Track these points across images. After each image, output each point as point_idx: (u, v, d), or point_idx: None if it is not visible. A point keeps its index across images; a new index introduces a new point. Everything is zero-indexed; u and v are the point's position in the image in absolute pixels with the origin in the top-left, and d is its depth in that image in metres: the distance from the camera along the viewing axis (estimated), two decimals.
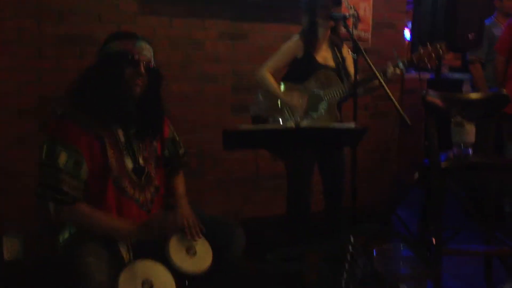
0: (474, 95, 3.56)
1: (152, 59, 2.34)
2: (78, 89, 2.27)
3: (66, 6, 3.49)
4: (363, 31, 4.66)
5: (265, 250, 2.31)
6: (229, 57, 4.09)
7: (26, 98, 3.44)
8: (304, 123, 3.21)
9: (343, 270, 1.84)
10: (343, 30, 3.26)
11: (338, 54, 3.37)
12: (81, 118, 2.22)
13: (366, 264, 1.83)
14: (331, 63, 3.35)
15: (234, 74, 4.13)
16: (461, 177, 3.21)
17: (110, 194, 2.27)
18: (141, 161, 2.37)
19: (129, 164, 2.33)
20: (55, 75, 3.49)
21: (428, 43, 3.22)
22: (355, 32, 4.56)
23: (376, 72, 2.90)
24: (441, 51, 3.20)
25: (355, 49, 2.93)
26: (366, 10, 4.64)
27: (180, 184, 2.62)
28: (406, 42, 5.64)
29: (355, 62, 2.99)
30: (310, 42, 3.29)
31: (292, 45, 3.34)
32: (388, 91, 2.79)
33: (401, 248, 1.96)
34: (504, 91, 3.39)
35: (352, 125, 2.64)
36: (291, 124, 2.68)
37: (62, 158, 2.17)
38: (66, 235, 2.29)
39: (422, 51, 3.20)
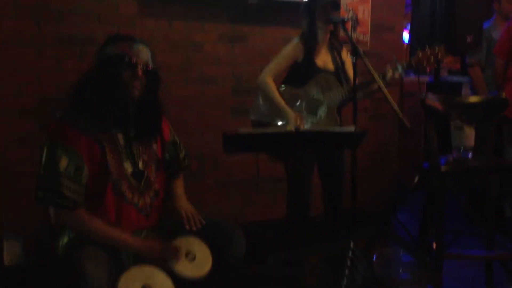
0: (473, 99, 3.56)
1: (150, 61, 2.33)
2: (77, 93, 2.27)
3: (65, 7, 3.48)
4: (362, 34, 4.66)
5: (265, 253, 2.30)
6: (228, 59, 4.10)
7: (26, 98, 3.43)
8: (304, 126, 3.21)
9: (343, 275, 1.84)
10: (342, 33, 3.26)
11: (337, 57, 3.37)
12: (81, 121, 2.22)
13: (366, 269, 1.82)
14: (330, 66, 3.35)
15: (233, 76, 4.13)
16: (461, 181, 3.22)
17: (109, 198, 2.27)
18: (140, 165, 2.37)
19: (129, 168, 2.32)
20: (54, 75, 3.48)
21: (426, 46, 3.22)
22: (354, 35, 4.57)
23: (375, 75, 2.90)
24: (439, 54, 3.20)
25: (354, 52, 2.93)
26: (365, 13, 4.65)
27: (179, 186, 2.62)
28: (405, 44, 5.65)
29: (354, 65, 2.98)
30: (310, 46, 3.29)
31: (292, 48, 3.34)
32: (388, 94, 2.79)
33: (401, 253, 1.96)
34: (504, 94, 3.40)
35: (351, 128, 2.64)
36: (291, 128, 2.68)
37: (63, 162, 2.16)
38: (66, 239, 2.28)
39: (420, 54, 3.20)
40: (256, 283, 2.85)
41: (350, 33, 3.22)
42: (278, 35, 4.21)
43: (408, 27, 5.68)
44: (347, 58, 3.36)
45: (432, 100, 3.24)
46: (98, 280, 2.05)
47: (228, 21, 4.05)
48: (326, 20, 3.22)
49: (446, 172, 2.98)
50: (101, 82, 2.23)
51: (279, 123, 3.33)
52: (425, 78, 5.20)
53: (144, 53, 2.30)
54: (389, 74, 3.19)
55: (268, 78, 3.32)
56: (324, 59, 3.36)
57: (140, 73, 2.25)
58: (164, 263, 2.24)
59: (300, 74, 3.34)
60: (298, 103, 3.33)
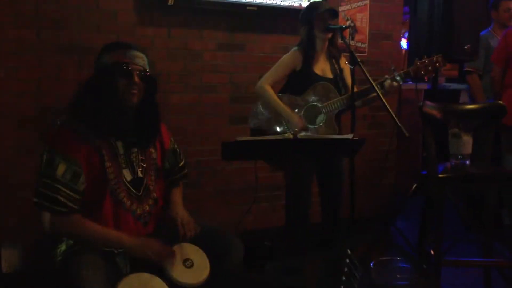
0: (471, 106, 3.57)
1: (147, 66, 2.33)
2: (76, 101, 2.28)
3: (65, 16, 3.50)
4: (360, 42, 4.68)
5: (264, 261, 2.31)
6: (227, 67, 4.11)
7: (26, 107, 3.44)
8: (302, 134, 3.22)
9: (341, 282, 1.84)
10: (340, 41, 3.28)
11: (336, 65, 3.39)
12: (81, 128, 2.23)
13: (364, 276, 1.83)
14: (329, 74, 3.36)
15: (232, 84, 4.14)
16: (459, 188, 3.22)
17: (107, 205, 2.27)
18: (139, 173, 2.37)
19: (128, 175, 2.33)
20: (54, 84, 3.50)
21: (424, 56, 3.24)
22: (352, 43, 4.59)
23: (373, 84, 2.92)
24: (438, 63, 3.22)
25: (352, 60, 2.95)
26: (363, 21, 4.67)
27: (176, 193, 2.61)
28: (403, 51, 5.67)
29: (352, 73, 3.00)
30: (308, 54, 3.31)
31: (290, 57, 3.36)
32: (386, 103, 2.80)
33: (399, 260, 1.96)
34: (501, 101, 3.41)
35: (350, 136, 2.65)
36: (289, 135, 2.69)
37: (61, 169, 2.16)
38: (63, 247, 2.28)
39: (419, 63, 3.22)
40: None
41: (348, 41, 3.23)
42: (276, 43, 4.23)
43: (406, 34, 5.69)
44: (345, 66, 3.38)
45: (430, 108, 3.25)
46: (95, 287, 2.05)
47: (226, 30, 4.07)
48: (324, 29, 3.24)
49: (444, 180, 2.99)
50: (98, 91, 2.24)
51: (278, 129, 3.34)
52: (423, 86, 5.21)
53: (139, 59, 2.30)
54: (388, 82, 3.20)
55: (266, 85, 3.34)
56: (322, 67, 3.37)
57: (136, 79, 2.26)
58: (160, 262, 2.23)
59: (298, 82, 3.35)
60: (296, 111, 3.34)
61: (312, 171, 3.40)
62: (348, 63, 3.01)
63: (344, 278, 1.85)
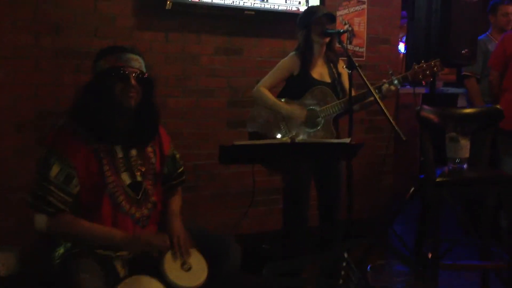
0: (468, 110, 3.58)
1: (143, 68, 2.34)
2: (75, 107, 2.29)
3: (63, 21, 3.51)
4: (358, 46, 4.69)
5: (261, 265, 2.31)
6: (225, 71, 4.11)
7: (24, 112, 3.45)
8: (300, 138, 3.23)
9: (338, 286, 1.84)
10: (338, 45, 3.29)
11: (334, 70, 3.39)
12: (79, 132, 2.24)
13: (361, 279, 1.83)
14: (327, 79, 3.37)
15: (229, 88, 4.15)
16: (456, 192, 3.22)
17: (106, 208, 2.27)
18: (138, 177, 2.37)
19: (126, 179, 2.34)
20: (52, 88, 3.50)
21: (422, 60, 3.25)
22: (350, 47, 4.60)
23: (371, 88, 2.92)
24: (435, 68, 3.22)
25: (350, 65, 2.95)
26: (360, 25, 4.68)
27: (175, 201, 2.61)
28: (401, 55, 5.68)
29: (350, 77, 3.01)
30: (305, 59, 3.31)
31: (288, 62, 3.36)
32: (383, 107, 2.81)
33: (396, 263, 1.96)
34: (499, 106, 3.41)
35: (347, 140, 2.66)
36: (287, 139, 2.69)
37: (55, 170, 2.19)
38: (62, 250, 2.29)
39: (416, 67, 3.22)
40: None
41: (345, 45, 3.24)
42: (274, 47, 4.24)
43: (404, 39, 5.70)
44: (343, 71, 3.38)
45: (427, 112, 3.26)
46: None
47: (224, 34, 4.08)
48: (321, 33, 3.25)
49: (441, 183, 2.99)
50: (96, 96, 2.25)
51: (278, 135, 3.35)
52: (421, 90, 5.22)
53: (135, 61, 2.31)
54: (385, 86, 3.21)
55: (263, 89, 3.35)
56: (320, 72, 3.37)
57: (133, 82, 2.27)
58: (154, 251, 2.25)
59: (296, 86, 3.36)
60: (298, 102, 3.35)
61: (310, 175, 3.40)
62: (346, 67, 3.01)
63: (341, 281, 1.86)
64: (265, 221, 4.29)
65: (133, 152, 2.38)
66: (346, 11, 4.59)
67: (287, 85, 3.42)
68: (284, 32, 4.22)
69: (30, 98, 3.46)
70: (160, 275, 2.24)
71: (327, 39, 3.30)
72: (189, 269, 2.32)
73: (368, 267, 1.89)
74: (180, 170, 2.65)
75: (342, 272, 1.90)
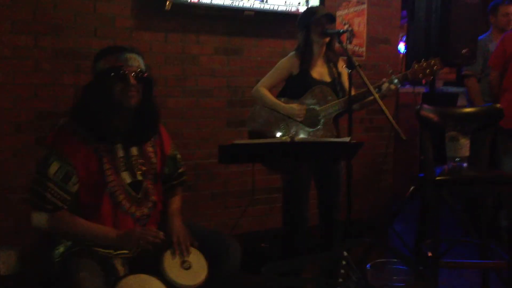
0: (468, 110, 3.58)
1: (142, 67, 2.35)
2: (76, 108, 2.29)
3: (62, 21, 3.51)
4: (358, 46, 4.69)
5: (261, 264, 2.31)
6: (224, 71, 4.12)
7: (23, 112, 3.45)
8: (299, 137, 3.23)
9: (337, 285, 1.84)
10: (338, 45, 3.29)
11: (334, 69, 3.39)
12: (80, 131, 2.25)
13: (360, 279, 1.83)
14: (327, 78, 3.37)
15: (229, 88, 4.15)
16: (456, 191, 3.22)
17: (106, 207, 2.28)
18: (139, 176, 2.38)
19: (127, 178, 2.35)
20: (51, 89, 3.51)
21: (422, 59, 3.25)
22: (350, 47, 4.60)
23: (371, 87, 2.93)
24: (435, 67, 3.22)
25: (350, 65, 2.95)
26: (360, 25, 4.68)
27: (175, 201, 2.61)
28: (401, 55, 5.68)
29: (350, 77, 3.01)
30: (305, 59, 3.31)
31: (287, 62, 3.37)
32: (383, 106, 2.81)
33: (396, 262, 1.96)
34: (498, 105, 3.42)
35: (346, 139, 2.66)
36: (286, 138, 2.69)
37: (53, 168, 2.20)
38: (62, 249, 2.29)
39: (416, 66, 3.23)
40: None
41: (345, 45, 3.24)
42: (274, 47, 4.25)
43: (404, 38, 5.71)
44: (343, 70, 3.38)
45: (427, 111, 3.26)
46: (93, 286, 2.06)
47: (224, 34, 4.08)
48: (321, 33, 3.25)
49: (441, 182, 2.99)
50: (97, 97, 2.26)
51: (278, 134, 3.35)
52: (421, 89, 5.23)
53: (133, 60, 2.31)
54: (385, 86, 3.21)
55: (263, 89, 3.35)
56: (320, 71, 3.37)
57: (133, 81, 2.27)
58: (146, 245, 2.24)
59: (296, 86, 3.36)
60: (297, 101, 3.35)
61: (310, 174, 3.40)
62: (346, 67, 3.01)
63: (340, 280, 1.86)
64: (264, 220, 4.29)
65: (134, 151, 2.39)
66: (346, 11, 4.60)
67: (287, 85, 3.42)
68: (284, 32, 4.23)
69: (30, 98, 3.46)
70: (160, 274, 2.24)
71: (327, 39, 3.30)
72: (189, 267, 2.32)
73: (368, 266, 1.89)
74: (180, 170, 2.66)
75: (342, 271, 1.89)
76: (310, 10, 3.43)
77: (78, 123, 2.26)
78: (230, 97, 4.16)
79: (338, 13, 4.54)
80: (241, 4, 3.94)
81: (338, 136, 3.34)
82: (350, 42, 4.65)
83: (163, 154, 2.53)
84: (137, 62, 2.32)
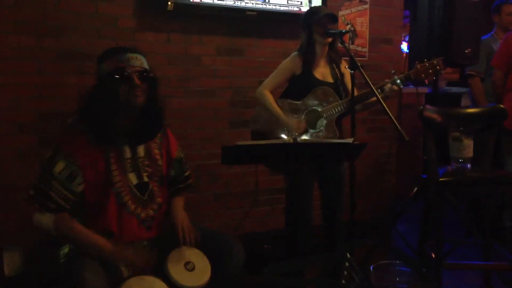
0: (471, 110, 3.57)
1: (145, 66, 2.35)
2: (83, 112, 2.29)
3: (65, 22, 3.51)
4: (361, 46, 4.69)
5: (263, 264, 2.31)
6: (227, 72, 4.12)
7: (26, 113, 3.45)
8: (302, 138, 3.23)
9: (340, 286, 1.84)
10: (340, 45, 3.28)
11: (336, 70, 3.38)
12: (88, 131, 2.26)
13: (363, 280, 1.83)
14: (329, 79, 3.36)
15: (231, 88, 4.15)
16: (459, 192, 3.22)
17: (112, 207, 2.29)
18: (145, 178, 2.39)
19: (133, 180, 2.36)
20: (54, 90, 3.51)
21: (425, 59, 3.24)
22: (352, 47, 4.59)
23: (373, 88, 2.91)
24: (438, 67, 3.21)
25: (352, 65, 2.95)
26: (363, 25, 4.68)
27: (178, 199, 2.62)
28: (404, 54, 5.67)
29: (352, 77, 3.00)
30: (308, 59, 3.31)
31: (290, 62, 3.36)
32: (386, 107, 2.80)
33: (399, 263, 1.96)
34: (502, 105, 3.40)
35: (350, 140, 2.65)
36: (289, 139, 2.69)
37: (59, 166, 2.22)
38: (67, 249, 2.31)
39: (419, 66, 3.22)
40: None
41: (347, 45, 3.24)
42: (276, 48, 4.24)
43: (407, 37, 5.70)
44: (345, 71, 3.37)
45: (430, 112, 3.26)
46: (97, 286, 2.06)
47: (226, 34, 4.08)
48: (323, 33, 3.24)
49: (444, 183, 2.99)
50: (102, 101, 2.26)
51: (280, 135, 3.34)
52: (424, 89, 5.22)
53: (136, 60, 2.32)
54: (388, 86, 3.20)
55: (265, 90, 3.34)
56: (322, 72, 3.37)
57: (137, 81, 2.27)
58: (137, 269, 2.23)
59: (299, 87, 3.35)
60: (297, 116, 3.34)
61: (313, 175, 3.40)
62: (348, 67, 3.01)
63: (343, 281, 1.86)
64: (267, 221, 4.29)
65: (141, 152, 2.40)
66: (348, 11, 4.59)
67: (289, 85, 3.42)
68: (286, 32, 4.23)
69: (33, 99, 3.46)
70: (163, 275, 2.25)
71: (329, 40, 3.29)
72: (193, 269, 2.33)
73: (371, 267, 1.88)
74: (186, 173, 2.66)
75: (345, 273, 1.89)
76: (312, 10, 3.43)
77: (86, 127, 2.27)
78: (232, 98, 4.16)
79: (340, 13, 4.53)
80: (243, 4, 3.94)
81: (340, 137, 3.34)
82: (353, 42, 4.64)
83: (170, 157, 2.55)
84: (139, 61, 2.32)
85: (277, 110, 3.31)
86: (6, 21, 3.35)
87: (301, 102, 3.35)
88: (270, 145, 2.73)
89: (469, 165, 3.07)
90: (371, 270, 1.87)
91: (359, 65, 2.92)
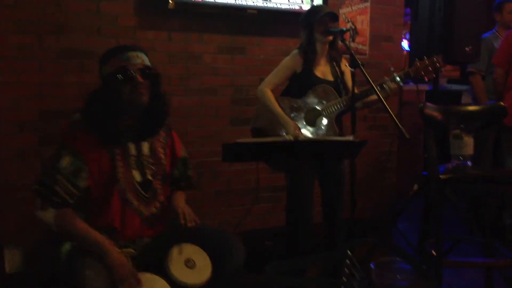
0: (471, 108, 3.57)
1: (147, 63, 2.36)
2: (87, 114, 2.30)
3: (65, 21, 3.51)
4: (361, 44, 4.68)
5: (264, 262, 2.32)
6: (228, 70, 4.12)
7: (27, 112, 3.45)
8: (303, 136, 3.23)
9: (341, 284, 1.85)
10: (341, 43, 3.29)
11: (337, 68, 3.39)
12: (93, 130, 2.27)
13: (364, 278, 1.83)
14: (330, 77, 3.37)
15: (232, 87, 4.15)
16: (460, 189, 3.22)
17: (115, 203, 2.31)
18: (149, 176, 2.40)
19: (137, 177, 2.37)
20: (55, 88, 3.50)
21: (424, 56, 3.24)
22: (353, 45, 4.59)
23: (374, 86, 2.91)
24: (437, 64, 3.21)
25: (353, 63, 2.95)
26: (363, 23, 4.68)
27: (179, 193, 2.63)
28: (405, 52, 5.67)
29: (353, 75, 3.00)
30: (308, 58, 3.31)
31: (291, 60, 3.36)
32: (386, 104, 2.80)
33: (400, 261, 1.96)
34: (503, 103, 3.41)
35: (350, 138, 2.66)
36: (290, 137, 2.69)
37: (65, 161, 2.22)
38: (68, 246, 2.31)
39: (419, 63, 3.22)
40: None
41: (348, 43, 3.24)
42: (277, 46, 4.24)
43: (408, 35, 5.70)
44: (346, 69, 3.38)
45: (431, 110, 3.26)
46: (98, 285, 2.06)
47: (227, 33, 4.08)
48: (324, 32, 3.25)
49: (445, 181, 2.99)
50: (107, 103, 2.27)
51: (280, 131, 3.34)
52: (425, 87, 5.22)
53: (137, 58, 2.32)
54: (388, 84, 3.20)
55: (266, 89, 3.35)
56: (323, 70, 3.37)
57: (140, 79, 2.28)
58: (120, 282, 2.16)
59: (299, 85, 3.36)
60: (297, 114, 3.35)
61: (314, 174, 3.40)
62: (349, 65, 3.01)
63: (344, 279, 1.86)
64: (268, 219, 4.30)
65: (145, 150, 2.42)
66: (349, 9, 4.59)
67: (290, 83, 3.42)
68: (287, 30, 4.22)
69: (34, 98, 3.46)
70: (164, 273, 2.25)
71: (330, 38, 3.30)
72: (193, 266, 2.33)
73: (372, 265, 1.89)
74: (189, 173, 2.67)
75: (346, 271, 1.90)
76: (313, 9, 3.43)
77: (91, 128, 2.27)
78: (233, 96, 4.16)
79: (341, 11, 4.53)
80: (244, 3, 3.94)
81: (341, 135, 3.34)
82: (353, 40, 4.64)
83: (174, 156, 2.57)
84: (140, 59, 2.32)
85: (277, 108, 3.31)
86: (7, 20, 3.35)
87: (301, 100, 3.35)
88: (270, 142, 2.74)
89: (469, 163, 3.07)
90: (372, 267, 1.88)
91: (360, 63, 2.93)
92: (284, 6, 4.10)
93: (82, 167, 2.23)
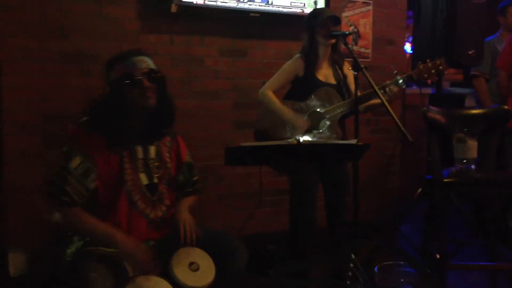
0: (475, 111, 3.57)
1: (152, 65, 2.36)
2: (95, 120, 2.30)
3: (69, 24, 3.52)
4: (364, 48, 4.68)
5: (267, 265, 2.32)
6: (229, 73, 4.12)
7: (30, 114, 3.46)
8: (306, 139, 3.23)
9: (344, 287, 1.84)
10: (343, 47, 3.28)
11: (339, 71, 3.38)
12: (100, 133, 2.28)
13: (368, 281, 1.83)
14: (332, 80, 3.36)
15: (235, 90, 4.15)
16: (463, 193, 3.21)
17: (122, 205, 2.31)
18: (155, 179, 2.40)
19: (144, 180, 2.37)
20: (58, 92, 3.51)
21: (427, 60, 3.23)
22: (355, 49, 4.59)
23: (376, 89, 2.91)
24: (440, 67, 3.21)
25: (355, 66, 2.95)
26: (366, 26, 4.67)
27: (185, 199, 2.61)
28: (408, 55, 5.67)
29: (356, 78, 3.00)
30: (310, 61, 3.31)
31: (293, 64, 3.36)
32: (389, 108, 2.80)
33: (403, 264, 1.96)
34: (506, 106, 3.40)
35: (353, 141, 2.65)
36: (293, 141, 2.69)
37: (75, 161, 2.23)
38: (73, 248, 2.31)
39: (422, 66, 3.21)
40: None
41: (351, 47, 3.23)
42: (279, 49, 4.24)
43: (411, 39, 5.70)
44: (348, 72, 3.38)
45: (434, 113, 3.26)
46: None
47: (229, 36, 4.08)
48: (326, 35, 3.25)
49: (449, 184, 2.98)
50: (115, 110, 2.28)
51: (283, 134, 3.34)
52: (428, 90, 5.21)
53: (141, 62, 2.32)
54: (390, 87, 3.20)
55: (267, 91, 3.35)
56: (325, 73, 3.37)
57: (147, 83, 2.29)
58: (142, 270, 2.20)
59: (301, 88, 3.36)
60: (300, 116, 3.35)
61: (317, 176, 3.39)
62: (352, 68, 3.01)
63: (348, 282, 1.86)
64: (271, 222, 4.29)
65: (152, 153, 2.42)
66: (351, 12, 4.59)
67: (292, 87, 3.42)
68: (289, 34, 4.22)
69: (38, 101, 3.47)
70: (168, 275, 2.25)
71: (332, 41, 3.30)
72: (197, 269, 2.33)
73: (375, 268, 1.89)
74: (195, 178, 2.67)
75: (349, 273, 1.89)
76: (316, 12, 3.43)
77: (98, 130, 2.28)
78: (235, 99, 4.16)
79: (344, 15, 4.53)
80: (246, 6, 3.94)
81: (343, 138, 3.34)
82: (356, 44, 4.64)
83: (179, 161, 2.57)
84: (145, 63, 2.33)
85: (280, 106, 3.31)
86: (10, 23, 3.36)
87: (304, 103, 3.35)
88: (273, 146, 2.74)
89: (473, 166, 3.06)
90: (375, 271, 1.87)
91: (362, 66, 2.92)
92: (286, 10, 4.10)
93: (91, 169, 2.24)
